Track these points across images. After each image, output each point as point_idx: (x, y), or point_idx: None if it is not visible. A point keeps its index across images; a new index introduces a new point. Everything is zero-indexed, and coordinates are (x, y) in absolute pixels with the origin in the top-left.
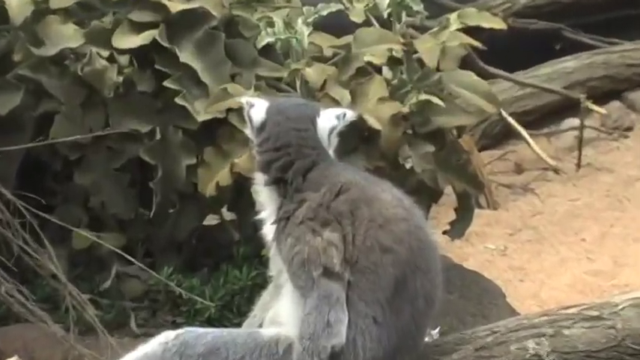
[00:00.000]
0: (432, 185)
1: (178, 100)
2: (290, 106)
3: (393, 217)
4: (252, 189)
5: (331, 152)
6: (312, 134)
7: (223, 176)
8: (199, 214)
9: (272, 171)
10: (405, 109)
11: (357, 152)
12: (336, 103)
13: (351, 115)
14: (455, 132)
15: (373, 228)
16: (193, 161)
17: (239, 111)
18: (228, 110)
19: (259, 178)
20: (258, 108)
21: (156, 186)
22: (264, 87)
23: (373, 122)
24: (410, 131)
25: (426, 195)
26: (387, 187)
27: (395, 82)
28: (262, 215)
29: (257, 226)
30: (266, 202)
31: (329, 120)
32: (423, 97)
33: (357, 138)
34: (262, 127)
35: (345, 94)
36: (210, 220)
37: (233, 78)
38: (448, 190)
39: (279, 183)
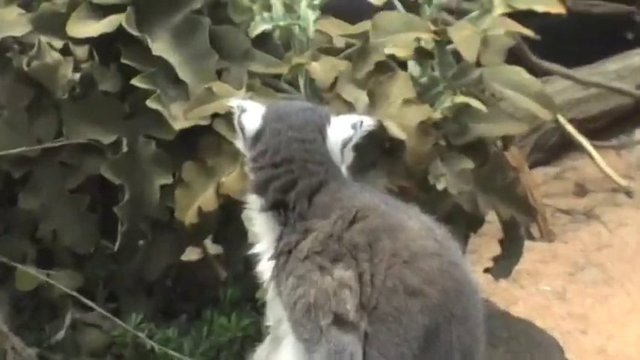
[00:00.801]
0: (471, 211)
1: (150, 104)
2: (293, 112)
3: (422, 250)
4: (244, 215)
5: (344, 169)
6: (321, 146)
7: (207, 199)
8: (176, 247)
9: (270, 193)
10: (437, 115)
11: (376, 169)
12: (350, 107)
13: (368, 122)
14: (500, 144)
15: (397, 265)
16: (169, 180)
17: (227, 117)
18: (214, 116)
19: (253, 202)
20: (251, 113)
21: (121, 211)
22: (259, 86)
23: (396, 131)
24: (443, 142)
25: (464, 223)
26: (415, 214)
27: (424, 80)
28: (257, 249)
29: (250, 262)
30: (262, 231)
31: (342, 129)
32: (460, 99)
33: (376, 151)
34: (258, 137)
35: (361, 96)
36: (191, 254)
37: (220, 75)
38: (491, 216)
39: (278, 208)
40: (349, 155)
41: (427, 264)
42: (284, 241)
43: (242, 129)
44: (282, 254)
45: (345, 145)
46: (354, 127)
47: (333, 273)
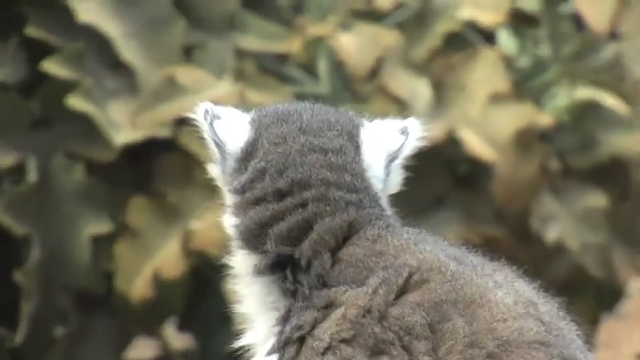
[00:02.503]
0: (602, 275)
1: (74, 103)
2: (304, 110)
3: (518, 337)
4: (228, 281)
5: (388, 203)
6: (352, 162)
7: (168, 259)
8: (117, 338)
9: (270, 244)
10: (546, 119)
11: (445, 207)
12: (403, 106)
13: (427, 130)
14: None
15: (476, 359)
16: (107, 228)
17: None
18: (178, 123)
19: (241, 262)
20: (231, 120)
21: (27, 279)
22: (253, 72)
23: (479, 146)
24: (555, 164)
25: (590, 295)
26: (506, 278)
27: (524, 61)
28: (248, 338)
29: (236, 357)
30: (256, 310)
31: (385, 138)
32: (584, 92)
33: (444, 179)
34: (247, 153)
35: (419, 87)
36: (141, 349)
37: (189, 53)
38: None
39: (283, 269)
40: (397, 178)
41: (526, 359)
42: (293, 322)
43: (218, 144)
44: (290, 344)
45: (391, 159)
46: (403, 132)
47: None
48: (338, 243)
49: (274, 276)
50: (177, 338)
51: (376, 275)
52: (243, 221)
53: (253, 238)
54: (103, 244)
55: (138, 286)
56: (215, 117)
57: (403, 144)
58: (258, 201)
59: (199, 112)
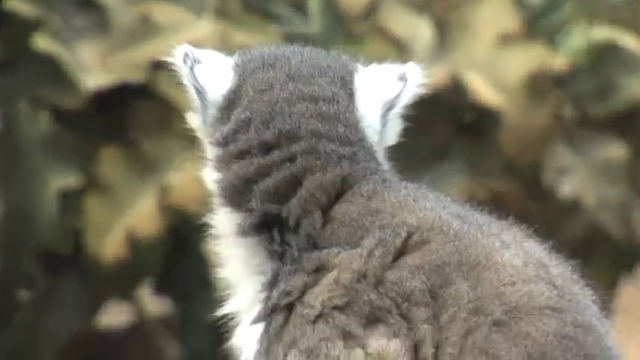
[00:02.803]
0: (622, 235)
1: (38, 43)
2: (292, 54)
3: (528, 303)
4: (209, 242)
5: (384, 156)
6: (346, 111)
7: (143, 216)
8: (87, 302)
9: (255, 201)
10: (559, 62)
11: (448, 159)
12: (402, 48)
13: (429, 75)
14: None
15: (482, 328)
16: (75, 182)
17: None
18: (154, 66)
19: (223, 221)
20: (213, 65)
21: None
22: (237, 11)
23: (486, 92)
24: (569, 112)
25: (607, 257)
26: (515, 238)
27: (536, 0)
28: (231, 305)
29: (218, 329)
30: (240, 273)
31: (381, 82)
32: (601, 32)
33: (447, 129)
34: (230, 101)
35: (420, 27)
36: (114, 315)
37: None
38: None
39: (270, 229)
40: (395, 128)
41: (537, 326)
42: (281, 287)
43: (199, 91)
44: (278, 311)
45: (389, 108)
46: (401, 78)
47: (367, 343)
48: (330, 200)
49: (260, 237)
50: (153, 302)
51: (372, 235)
52: (226, 176)
53: (237, 195)
54: (71, 199)
55: (110, 246)
56: (195, 61)
57: (401, 91)
58: (242, 154)
59: (178, 55)
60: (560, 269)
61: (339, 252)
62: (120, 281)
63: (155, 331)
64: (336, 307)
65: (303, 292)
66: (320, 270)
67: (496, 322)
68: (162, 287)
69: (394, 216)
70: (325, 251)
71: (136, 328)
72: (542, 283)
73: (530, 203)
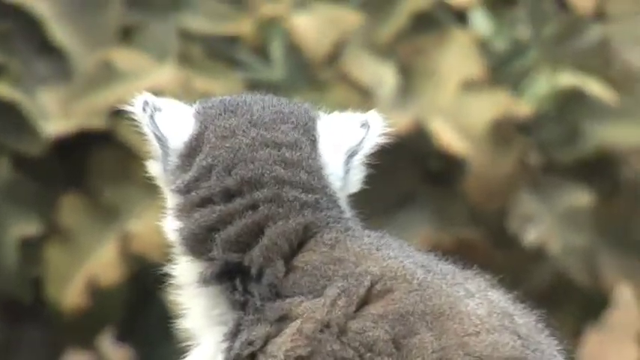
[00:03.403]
0: (586, 283)
1: (0, 90)
2: (253, 102)
3: (493, 353)
4: (170, 291)
5: (347, 204)
6: (309, 158)
7: (105, 265)
8: (48, 350)
9: (217, 249)
10: (525, 108)
11: (413, 207)
12: (364, 93)
13: (392, 123)
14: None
15: None
16: (35, 229)
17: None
18: (115, 113)
19: (185, 270)
20: (173, 113)
21: None
22: (200, 57)
23: (450, 138)
24: (535, 159)
25: (574, 305)
26: (479, 287)
27: (500, 44)
28: (195, 354)
29: None
30: (202, 321)
31: (344, 132)
32: (566, 78)
33: (413, 176)
34: (192, 148)
35: (384, 73)
36: None
37: (127, 35)
38: (626, 293)
39: (232, 278)
40: (358, 175)
41: None
42: (243, 337)
43: (160, 139)
44: None
45: (351, 155)
46: (364, 125)
47: None
48: (292, 248)
49: (222, 286)
50: (114, 351)
51: (334, 285)
52: (187, 224)
53: (198, 244)
54: (31, 247)
55: (71, 294)
56: (155, 109)
57: (364, 138)
58: (203, 202)
59: (137, 103)
60: (525, 319)
61: (301, 301)
62: (81, 330)
63: None
64: (299, 357)
65: (265, 342)
66: (283, 320)
67: None
68: (124, 336)
69: (357, 265)
70: (288, 300)
71: None
72: (506, 332)
73: (496, 251)
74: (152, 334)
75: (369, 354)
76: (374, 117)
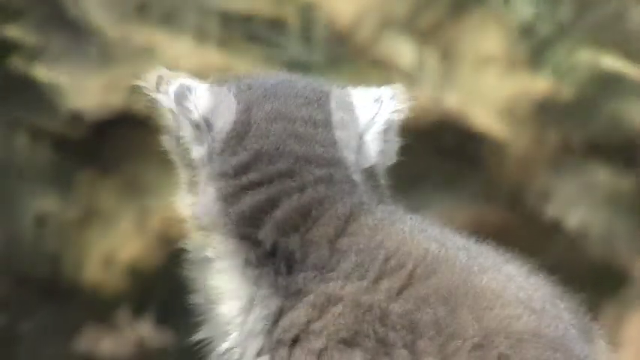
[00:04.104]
0: (607, 260)
1: (15, 63)
2: (290, 82)
3: (507, 327)
4: (201, 270)
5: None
6: (328, 136)
7: (124, 241)
8: (65, 328)
9: (267, 231)
10: (567, 92)
11: (429, 181)
12: (404, 78)
13: (407, 99)
14: None
15: (461, 352)
16: (55, 206)
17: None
18: (137, 89)
19: (226, 250)
20: (208, 94)
21: None
22: (241, 41)
23: (480, 118)
24: (574, 142)
25: (592, 282)
26: (494, 262)
27: (541, 27)
28: (232, 339)
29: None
30: (241, 305)
31: (359, 104)
32: (609, 62)
33: (433, 154)
34: (238, 135)
35: (425, 58)
36: (94, 341)
37: (168, 16)
38: None
39: (275, 261)
40: (374, 154)
41: (516, 351)
42: (286, 322)
43: (197, 125)
44: (282, 346)
45: (373, 131)
46: (378, 101)
47: None
48: (337, 233)
49: (264, 269)
50: (154, 334)
51: (377, 268)
52: (235, 207)
53: (245, 227)
54: (50, 223)
55: (90, 271)
56: (186, 90)
57: (377, 113)
58: (254, 185)
59: (159, 82)
60: (540, 293)
61: (344, 284)
62: (99, 307)
63: None
64: (342, 340)
65: (307, 325)
66: (325, 303)
67: (475, 347)
68: (163, 318)
69: (399, 248)
70: (331, 284)
71: (136, 359)
72: (521, 307)
73: (512, 226)
74: (191, 318)
75: (410, 335)
76: (389, 92)
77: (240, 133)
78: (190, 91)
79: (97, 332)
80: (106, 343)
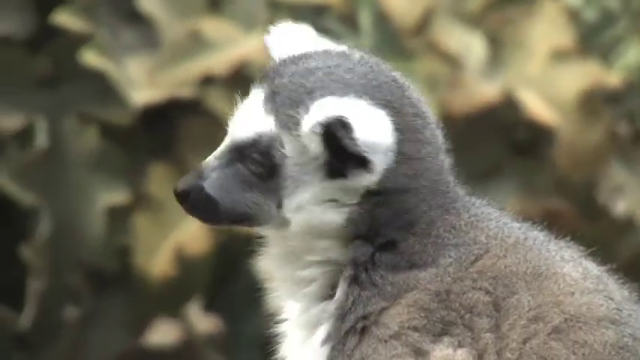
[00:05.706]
0: None
1: (87, 58)
2: (418, 97)
3: (586, 313)
4: (259, 265)
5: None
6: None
7: (192, 234)
8: (134, 320)
9: (386, 230)
10: (615, 78)
11: (500, 175)
12: (453, 62)
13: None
14: None
15: (540, 335)
16: (123, 198)
17: (229, 81)
18: (203, 82)
19: (339, 249)
20: (369, 118)
21: (35, 255)
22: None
23: (539, 108)
24: (625, 129)
25: None
26: (572, 255)
27: (589, 14)
28: (299, 326)
29: (267, 343)
30: (314, 293)
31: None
32: None
33: (500, 145)
34: (398, 158)
35: (473, 43)
36: (161, 333)
37: (215, 4)
38: None
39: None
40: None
41: (595, 336)
42: (359, 312)
43: (368, 161)
44: (352, 333)
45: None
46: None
47: (432, 354)
48: (422, 227)
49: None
50: (202, 321)
51: (447, 254)
52: (368, 219)
53: (369, 229)
54: (119, 216)
55: (158, 264)
56: (348, 124)
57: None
58: (393, 201)
59: (327, 122)
60: (617, 286)
61: (416, 273)
62: (168, 299)
63: (204, 349)
64: (413, 328)
65: (379, 315)
66: (401, 293)
67: (555, 330)
68: (211, 305)
69: (467, 234)
70: (403, 274)
71: (185, 347)
72: (600, 295)
73: (584, 222)
74: (239, 304)
75: (468, 315)
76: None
77: (399, 158)
78: (358, 118)
79: (166, 324)
80: (174, 333)
